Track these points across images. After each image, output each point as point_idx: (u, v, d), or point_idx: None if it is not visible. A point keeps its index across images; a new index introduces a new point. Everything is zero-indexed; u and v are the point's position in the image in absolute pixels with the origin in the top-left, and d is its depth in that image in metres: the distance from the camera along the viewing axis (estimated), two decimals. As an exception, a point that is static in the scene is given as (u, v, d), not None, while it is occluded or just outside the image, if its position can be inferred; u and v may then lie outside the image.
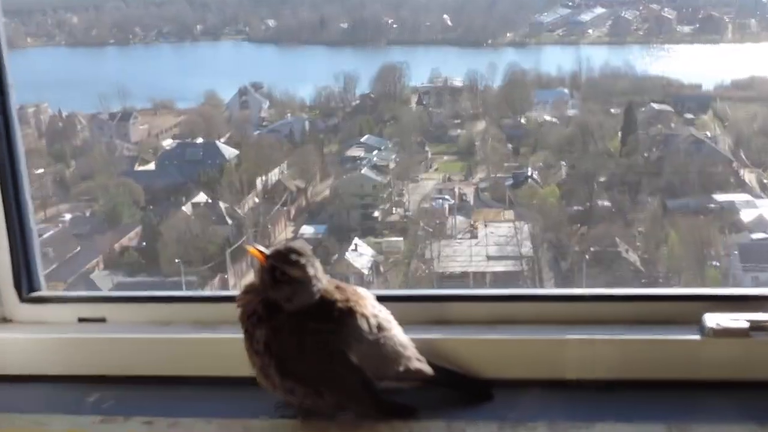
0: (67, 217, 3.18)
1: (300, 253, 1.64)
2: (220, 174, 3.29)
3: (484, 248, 3.39)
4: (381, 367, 1.35)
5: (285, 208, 3.25)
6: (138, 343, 1.64)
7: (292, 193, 3.29)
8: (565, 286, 3.39)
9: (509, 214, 3.54)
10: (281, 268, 1.48)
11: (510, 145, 3.59)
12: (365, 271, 3.18)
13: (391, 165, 3.44)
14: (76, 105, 3.33)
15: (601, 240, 3.72)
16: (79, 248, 3.19)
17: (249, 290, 1.64)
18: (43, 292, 2.24)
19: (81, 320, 1.77)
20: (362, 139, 3.47)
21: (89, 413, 1.44)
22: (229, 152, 3.30)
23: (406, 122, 3.52)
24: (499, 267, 3.40)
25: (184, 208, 3.29)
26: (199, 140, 3.45)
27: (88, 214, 3.20)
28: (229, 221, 3.19)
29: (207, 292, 1.92)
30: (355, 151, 3.49)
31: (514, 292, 1.75)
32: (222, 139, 3.36)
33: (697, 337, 1.57)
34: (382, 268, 3.23)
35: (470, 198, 3.52)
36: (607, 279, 3.69)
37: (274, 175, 3.32)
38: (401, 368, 1.34)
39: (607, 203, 3.77)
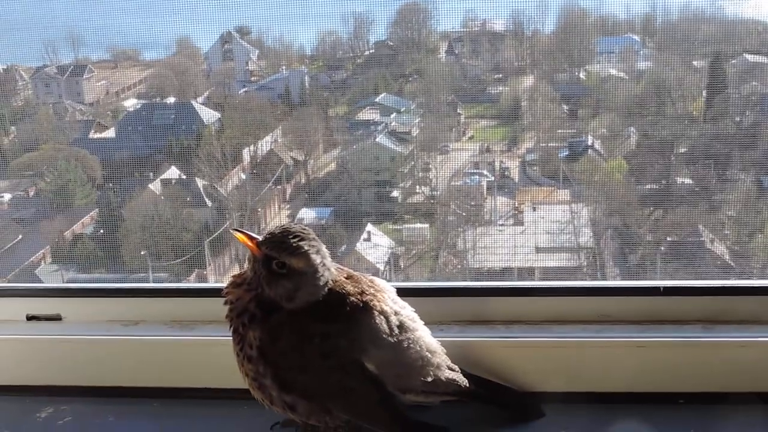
0: (6, 197, 3.01)
1: (301, 237, 1.38)
2: (197, 143, 3.20)
3: (531, 237, 3.29)
4: (404, 378, 1.43)
5: (279, 187, 3.11)
6: (100, 346, 1.71)
7: (288, 168, 3.11)
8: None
9: (564, 194, 3.37)
10: (279, 257, 1.38)
11: (565, 107, 3.38)
12: (381, 266, 3.14)
13: (414, 131, 3.33)
14: (17, 56, 3.03)
15: (680, 227, 3.47)
16: (20, 236, 2.96)
17: (239, 283, 1.42)
18: None
19: (30, 318, 1.81)
20: (377, 99, 3.30)
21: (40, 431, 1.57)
22: (209, 115, 3.14)
23: (433, 77, 3.36)
24: (551, 261, 3.22)
25: (151, 186, 3.16)
26: (171, 100, 3.30)
27: (31, 193, 3.07)
28: (209, 202, 3.20)
29: (184, 284, 1.90)
30: (369, 114, 3.31)
31: (571, 285, 1.75)
32: (199, 99, 3.26)
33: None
34: (402, 263, 3.07)
35: (514, 174, 3.39)
36: (687, 276, 3.43)
37: (265, 144, 3.26)
38: (429, 378, 1.43)
39: (687, 181, 3.57)
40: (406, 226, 3.24)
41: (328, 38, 3.27)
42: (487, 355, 1.61)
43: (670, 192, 3.47)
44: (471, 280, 3.24)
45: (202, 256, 3.07)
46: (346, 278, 1.44)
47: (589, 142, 3.36)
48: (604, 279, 3.29)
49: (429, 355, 1.44)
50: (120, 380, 1.71)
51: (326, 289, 1.40)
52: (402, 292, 1.66)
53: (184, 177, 3.15)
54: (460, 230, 3.25)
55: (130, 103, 3.22)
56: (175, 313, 1.60)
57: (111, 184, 3.18)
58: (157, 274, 3.10)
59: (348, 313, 1.40)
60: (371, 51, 3.32)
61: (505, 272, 3.28)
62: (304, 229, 1.39)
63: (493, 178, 3.32)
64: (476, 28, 3.40)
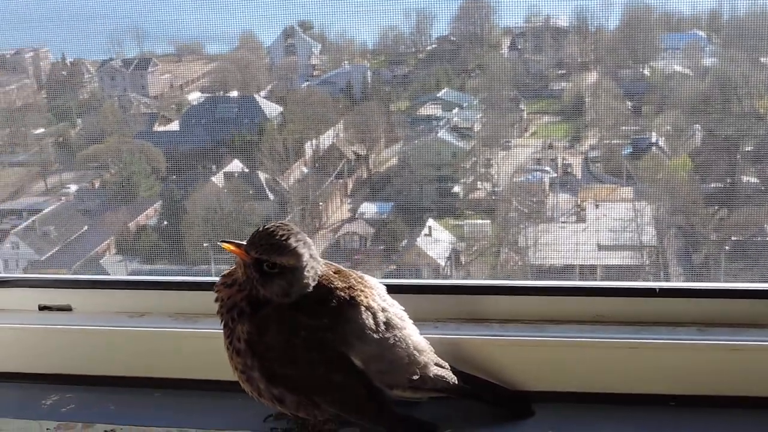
0: (72, 188, 3.08)
1: (287, 234, 1.46)
2: (260, 136, 3.30)
3: (594, 235, 3.17)
4: (389, 374, 1.50)
5: (340, 181, 3.09)
6: (106, 336, 1.82)
7: (350, 162, 3.13)
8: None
9: (627, 191, 3.42)
10: (270, 259, 1.46)
11: (629, 103, 3.36)
12: (441, 262, 3.05)
13: (476, 127, 3.43)
14: (83, 50, 3.12)
15: (746, 226, 3.44)
16: (86, 227, 3.04)
17: (230, 283, 1.49)
18: (1, 275, 2.03)
19: (42, 308, 1.91)
20: (439, 94, 3.37)
21: (44, 418, 1.67)
22: (271, 109, 3.18)
23: (496, 72, 3.37)
24: (614, 259, 3.22)
25: (214, 178, 3.26)
26: (234, 94, 3.40)
27: (97, 185, 3.12)
28: (271, 196, 3.20)
29: (189, 278, 1.83)
30: (430, 109, 3.36)
31: (567, 284, 1.80)
32: (262, 93, 3.36)
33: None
34: (463, 259, 3.03)
35: (577, 170, 3.46)
36: (753, 276, 3.42)
37: (326, 138, 3.25)
38: (415, 376, 1.50)
39: (753, 180, 3.50)
40: (468, 221, 3.29)
41: (390, 33, 3.32)
42: (481, 353, 1.66)
43: (736, 191, 3.48)
44: (534, 278, 3.28)
45: (263, 249, 3.13)
46: (335, 273, 1.54)
47: (653, 140, 3.38)
48: (668, 277, 3.31)
49: (416, 353, 1.52)
50: (124, 370, 1.85)
51: (315, 281, 1.48)
52: (399, 289, 1.76)
53: (247, 170, 3.23)
54: (522, 227, 3.29)
55: (194, 97, 3.30)
56: (179, 305, 1.65)
57: (174, 177, 3.27)
58: (219, 266, 3.16)
59: (335, 307, 1.45)
60: (433, 46, 3.37)
61: (566, 270, 3.32)
62: (287, 225, 1.49)
63: (555, 175, 3.35)
64: (539, 24, 3.43)
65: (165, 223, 3.23)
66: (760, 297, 1.65)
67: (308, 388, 1.46)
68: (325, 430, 1.52)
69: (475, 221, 3.29)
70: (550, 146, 3.40)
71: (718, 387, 1.58)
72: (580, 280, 3.24)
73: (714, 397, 1.58)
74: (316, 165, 3.27)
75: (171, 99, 3.36)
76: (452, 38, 3.38)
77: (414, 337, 1.53)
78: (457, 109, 3.35)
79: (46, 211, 3.26)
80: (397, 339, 1.47)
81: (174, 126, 3.31)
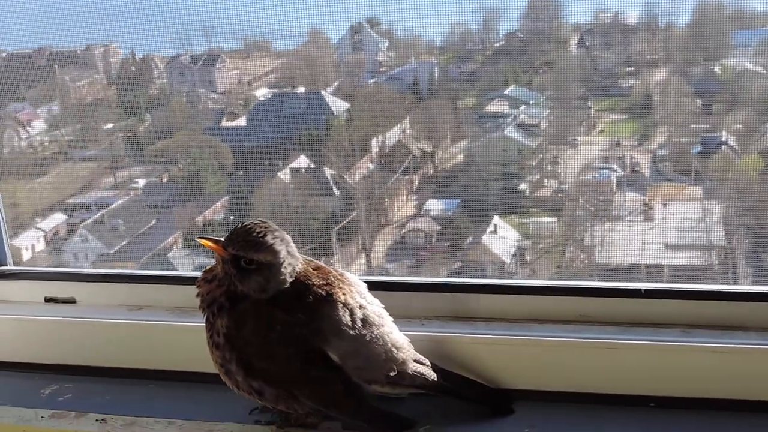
0: (141, 183, 3.14)
1: (264, 231, 1.51)
2: (326, 132, 3.38)
3: (661, 234, 3.15)
4: (367, 370, 1.54)
5: (407, 177, 3.08)
6: (105, 329, 1.92)
7: (416, 158, 3.15)
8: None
9: (696, 190, 3.39)
10: (246, 255, 1.51)
11: (699, 101, 3.32)
12: (507, 259, 3.06)
13: (543, 124, 3.45)
14: (153, 45, 3.17)
15: None
16: (154, 221, 3.08)
17: (210, 279, 1.56)
18: (8, 267, 2.14)
19: (48, 300, 2.02)
20: (506, 91, 3.40)
21: (40, 407, 1.77)
22: (338, 105, 3.19)
23: (563, 70, 3.33)
24: (681, 259, 3.17)
25: (280, 174, 3.34)
26: (301, 90, 3.45)
27: (165, 180, 3.15)
28: (337, 192, 3.18)
29: (185, 273, 1.94)
30: (497, 106, 3.40)
31: (553, 284, 1.84)
32: (329, 89, 3.34)
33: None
34: (528, 256, 3.02)
35: (645, 169, 3.47)
36: None
37: (393, 134, 3.19)
38: (392, 372, 1.54)
39: None
40: (533, 219, 3.30)
41: (458, 30, 3.34)
42: (464, 350, 1.71)
43: (808, 191, 3.42)
44: (597, 280, 3.28)
45: (329, 245, 3.19)
46: (314, 269, 1.59)
47: (723, 138, 3.35)
48: (736, 278, 3.29)
49: (393, 350, 1.58)
50: (120, 362, 1.97)
51: (293, 277, 1.52)
52: (387, 287, 1.80)
53: (313, 166, 3.27)
54: (588, 225, 3.29)
55: (261, 93, 3.35)
56: (176, 299, 1.72)
57: (241, 172, 3.31)
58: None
59: (311, 303, 1.51)
60: (501, 43, 3.38)
61: (632, 269, 3.31)
62: (264, 222, 1.54)
63: (622, 173, 3.34)
64: (608, 20, 3.41)
65: (232, 218, 3.30)
66: (744, 299, 1.67)
67: (286, 382, 1.51)
68: (308, 423, 1.59)
69: (541, 219, 3.30)
70: (618, 144, 3.39)
71: (700, 389, 1.59)
72: (647, 279, 3.24)
73: (695, 399, 1.59)
74: (382, 161, 3.31)
75: (239, 95, 3.41)
76: (520, 35, 3.38)
77: (393, 334, 1.59)
78: (524, 106, 3.36)
79: (115, 205, 3.34)
80: (374, 336, 1.52)
81: (241, 121, 3.36)
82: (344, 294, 1.52)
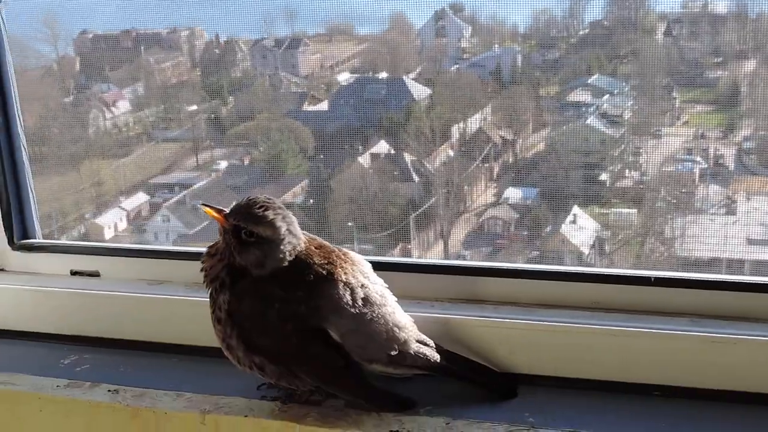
0: (222, 165, 3.20)
1: (266, 206, 1.56)
2: (407, 118, 3.38)
3: (744, 229, 3.14)
4: (368, 349, 1.57)
5: (487, 165, 3.15)
6: (126, 302, 2.04)
7: (497, 146, 3.18)
8: None
9: None
10: (247, 227, 1.56)
11: None
12: (585, 250, 3.08)
13: (626, 114, 3.43)
14: (237, 29, 3.24)
15: None
16: (235, 203, 3.10)
17: (213, 253, 1.60)
18: (36, 240, 2.26)
19: (74, 273, 2.17)
20: (590, 80, 3.39)
21: (58, 376, 1.88)
22: (419, 91, 3.23)
23: (649, 59, 3.33)
24: (764, 254, 3.13)
25: (360, 158, 3.37)
26: (383, 75, 3.48)
27: (246, 162, 3.20)
28: (416, 178, 3.23)
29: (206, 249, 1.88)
30: (580, 95, 3.40)
31: (563, 269, 1.88)
32: (411, 75, 3.44)
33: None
34: (607, 247, 3.04)
35: (729, 162, 3.48)
36: None
37: (474, 121, 3.31)
38: (393, 352, 1.56)
39: None
40: (613, 210, 3.30)
41: (542, 17, 3.34)
42: (472, 333, 1.74)
43: None
44: (676, 269, 3.27)
45: (407, 231, 3.23)
46: (316, 248, 1.62)
47: (812, 132, 3.29)
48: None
49: (395, 329, 1.60)
50: (138, 334, 2.05)
51: (293, 256, 1.56)
52: (400, 268, 1.83)
53: (393, 152, 3.31)
54: (669, 217, 3.29)
55: (343, 77, 3.39)
56: (196, 275, 1.75)
57: (322, 156, 3.37)
58: (362, 246, 3.27)
59: (311, 281, 1.55)
60: (585, 31, 3.37)
61: (713, 262, 3.31)
62: (269, 199, 1.60)
63: (706, 166, 3.33)
64: (696, 10, 3.39)
65: (311, 201, 3.35)
66: (753, 290, 1.68)
67: (285, 359, 1.55)
68: (312, 400, 1.63)
69: (621, 210, 3.31)
70: (702, 136, 3.38)
71: (704, 380, 1.61)
72: (727, 274, 3.22)
73: (699, 389, 1.61)
74: (463, 148, 3.34)
75: (321, 79, 3.46)
76: (605, 23, 3.38)
77: (396, 314, 1.62)
78: (607, 95, 3.36)
79: (197, 186, 3.42)
80: (375, 315, 1.55)
81: (323, 106, 3.41)
82: (346, 273, 1.58)
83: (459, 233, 3.31)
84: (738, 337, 1.59)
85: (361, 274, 1.59)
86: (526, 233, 3.32)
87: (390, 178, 3.33)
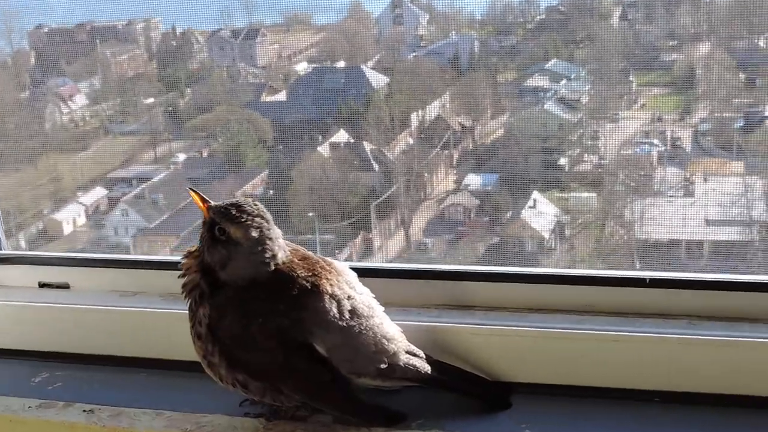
0: (181, 157, 3.20)
1: (246, 211, 1.51)
2: (366, 107, 3.45)
3: (702, 210, 3.19)
4: (356, 363, 1.51)
5: (446, 152, 3.15)
6: (98, 315, 1.91)
7: (456, 133, 3.20)
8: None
9: (738, 165, 3.39)
10: (221, 223, 1.51)
11: (742, 76, 3.31)
12: (546, 234, 3.10)
13: (584, 99, 3.46)
14: (193, 20, 3.24)
15: None
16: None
17: (191, 253, 1.53)
18: (2, 252, 2.22)
19: (42, 285, 2.04)
20: (547, 65, 3.40)
21: (29, 395, 1.77)
22: (378, 80, 3.24)
23: (605, 43, 3.34)
24: (722, 234, 3.19)
25: (320, 148, 3.39)
26: (341, 64, 3.50)
27: (205, 154, 3.19)
28: (376, 166, 3.21)
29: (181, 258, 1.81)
30: (538, 81, 3.41)
31: (555, 272, 1.81)
32: (369, 64, 3.37)
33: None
34: (567, 231, 3.05)
35: (686, 144, 3.50)
36: None
37: (433, 109, 3.27)
38: (383, 365, 1.51)
39: None
40: (573, 194, 3.33)
41: (499, 3, 3.38)
42: (462, 341, 1.67)
43: None
44: (636, 255, 3.30)
45: (368, 219, 3.25)
46: (300, 259, 1.57)
47: (767, 113, 3.35)
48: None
49: (384, 342, 1.54)
50: (113, 349, 1.96)
51: (269, 268, 1.50)
52: (384, 274, 1.77)
53: (353, 141, 3.32)
54: (629, 200, 3.32)
55: (301, 67, 3.40)
56: (172, 285, 1.66)
57: (281, 147, 3.37)
58: (324, 236, 3.27)
59: (294, 295, 1.48)
60: (542, 16, 3.40)
61: (672, 244, 3.34)
62: (256, 206, 1.56)
63: (663, 148, 3.36)
64: (651, -6, 3.41)
65: (271, 192, 3.36)
66: (753, 290, 1.61)
67: (270, 375, 1.49)
68: (297, 416, 1.57)
69: (581, 194, 3.33)
70: (659, 119, 3.41)
71: (706, 384, 1.54)
72: (686, 255, 3.26)
73: (700, 394, 1.55)
74: (422, 136, 3.36)
75: (279, 69, 3.47)
76: (561, 8, 3.42)
77: (384, 325, 1.54)
78: (564, 80, 3.39)
79: (156, 179, 3.42)
80: (363, 327, 1.50)
81: (281, 96, 3.42)
82: (331, 285, 1.50)
83: (420, 221, 3.33)
84: (739, 340, 1.54)
85: (347, 285, 1.52)
86: (486, 219, 3.35)
87: (350, 167, 3.35)
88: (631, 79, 3.39)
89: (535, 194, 3.31)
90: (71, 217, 3.39)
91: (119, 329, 1.87)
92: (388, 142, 3.33)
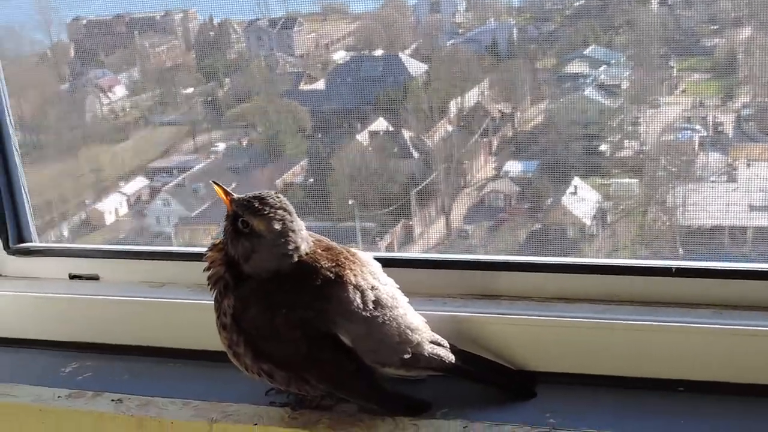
0: (221, 147, 3.22)
1: (269, 203, 1.53)
2: (404, 95, 3.41)
3: (745, 195, 3.17)
4: (380, 353, 1.56)
5: (486, 139, 3.16)
6: (126, 306, 2.01)
7: (495, 120, 3.20)
8: None
9: None
10: (243, 216, 1.56)
11: None
12: (587, 221, 3.09)
13: (624, 85, 3.46)
14: (230, 10, 3.26)
15: None
16: (234, 184, 3.19)
17: (215, 246, 1.55)
18: (32, 244, 2.27)
19: (72, 277, 2.14)
20: (586, 51, 3.39)
21: (60, 385, 1.84)
22: (416, 67, 3.25)
23: (645, 29, 3.29)
24: (765, 220, 3.14)
25: (359, 137, 3.38)
26: (379, 52, 3.48)
27: (245, 143, 3.21)
28: (415, 154, 3.29)
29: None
30: (577, 67, 3.41)
31: (581, 262, 1.85)
32: (407, 51, 3.45)
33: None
34: (609, 218, 3.06)
35: (728, 129, 3.44)
36: None
37: (471, 96, 3.36)
38: (406, 355, 1.55)
39: None
40: (614, 180, 3.32)
41: (537, -11, 3.34)
42: (486, 331, 1.70)
43: None
44: (678, 241, 3.29)
45: (408, 207, 3.26)
46: (323, 250, 1.60)
47: (810, 97, 3.32)
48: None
49: (408, 332, 1.57)
50: (141, 339, 1.99)
51: (292, 260, 1.52)
52: (411, 264, 1.78)
53: (392, 129, 3.33)
54: (670, 186, 3.31)
55: (339, 56, 3.41)
56: (198, 276, 1.73)
57: (320, 135, 3.39)
58: (365, 224, 3.30)
59: (318, 286, 1.53)
60: (581, 2, 3.39)
61: (714, 230, 3.33)
62: (279, 198, 1.59)
63: (705, 134, 3.35)
64: (691, -23, 3.39)
65: (311, 180, 3.38)
66: None
67: (295, 365, 1.54)
68: (323, 405, 1.60)
69: (622, 180, 3.33)
70: (701, 104, 3.40)
71: (730, 373, 1.57)
72: (730, 242, 3.25)
73: (725, 384, 1.57)
74: (461, 123, 3.36)
75: (316, 58, 3.49)
76: (600, -7, 3.39)
77: (407, 315, 1.58)
78: (604, 66, 3.38)
79: (196, 168, 3.45)
80: (386, 318, 1.53)
81: (320, 85, 3.44)
82: (355, 275, 1.54)
83: (460, 208, 3.34)
84: (765, 329, 1.54)
85: (370, 275, 1.57)
86: (527, 206, 3.36)
87: (389, 155, 3.36)
88: (671, 64, 3.37)
89: (576, 180, 3.31)
90: (113, 207, 3.43)
91: (147, 320, 1.92)
92: (427, 130, 3.34)
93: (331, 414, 1.60)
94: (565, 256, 3.22)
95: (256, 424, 1.62)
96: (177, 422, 1.67)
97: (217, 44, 3.44)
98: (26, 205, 2.22)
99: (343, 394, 1.58)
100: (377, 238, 3.27)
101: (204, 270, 1.62)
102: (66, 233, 3.38)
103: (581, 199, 3.28)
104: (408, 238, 3.30)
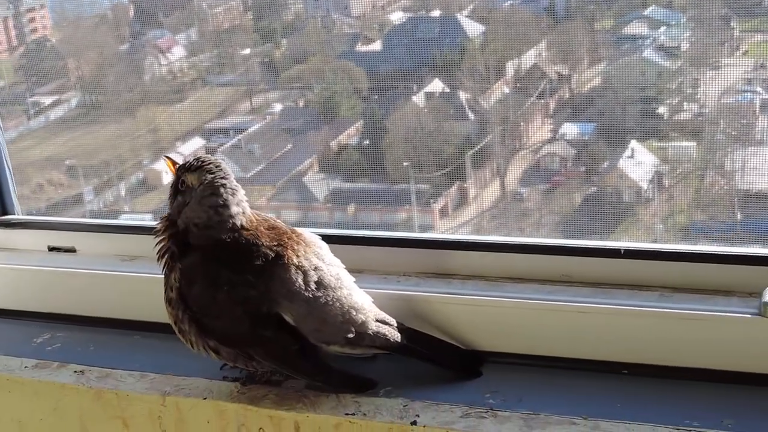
0: (277, 108, 3.28)
1: (202, 160, 1.59)
2: (461, 56, 3.42)
3: None
4: (323, 332, 1.61)
5: (542, 101, 3.18)
6: (99, 279, 2.07)
7: (552, 82, 3.22)
8: None
9: None
10: (181, 175, 1.65)
11: None
12: (644, 185, 3.11)
13: (684, 46, 3.41)
14: None
15: None
16: (290, 146, 3.26)
17: (163, 217, 1.76)
18: (14, 216, 2.35)
19: (51, 249, 2.19)
20: (645, 12, 3.40)
21: (29, 355, 1.90)
22: (473, 28, 3.28)
23: None
24: None
25: (414, 98, 3.40)
26: (436, 13, 3.53)
27: (301, 104, 3.25)
28: (471, 116, 3.24)
29: None
30: (636, 28, 3.39)
31: (533, 242, 1.87)
32: (464, 12, 3.39)
33: (750, 314, 1.48)
34: (666, 181, 3.08)
35: (790, 91, 3.20)
36: None
37: (528, 58, 3.30)
38: (350, 335, 1.59)
39: None
40: (672, 144, 3.34)
41: (596, -51, 3.34)
42: (436, 310, 1.72)
43: None
44: (737, 205, 3.30)
45: (463, 169, 3.31)
46: (267, 228, 1.62)
47: None
48: None
49: (352, 312, 1.60)
50: (111, 312, 2.03)
51: (228, 224, 1.56)
52: (366, 241, 1.79)
53: (448, 90, 3.37)
54: (729, 150, 3.31)
55: (396, 17, 3.44)
56: None
57: (376, 97, 3.43)
58: (419, 186, 3.35)
59: (260, 265, 1.57)
60: (640, -38, 3.36)
61: (774, 194, 3.33)
62: (216, 160, 1.62)
63: (766, 96, 3.33)
64: (755, -64, 3.36)
65: (366, 142, 3.43)
66: (727, 262, 1.63)
67: (239, 342, 1.58)
68: (272, 380, 1.64)
69: (680, 143, 3.34)
70: (762, 66, 3.39)
71: (675, 357, 1.57)
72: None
73: (669, 367, 1.58)
74: (518, 85, 3.39)
75: (373, 19, 3.52)
76: (660, -47, 3.38)
77: (353, 295, 1.61)
78: (663, 27, 3.37)
79: (252, 129, 3.52)
80: (329, 298, 1.57)
81: (376, 46, 3.48)
82: (297, 255, 1.57)
83: (516, 171, 3.38)
84: (709, 314, 1.55)
85: (315, 256, 1.61)
86: (583, 169, 3.39)
87: (445, 116, 3.40)
88: (732, 25, 3.36)
89: (633, 144, 3.33)
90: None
91: (116, 293, 1.99)
92: (484, 92, 3.37)
93: (278, 390, 1.64)
94: (620, 221, 3.26)
95: (205, 398, 1.68)
96: (132, 394, 1.73)
97: (274, 5, 3.49)
98: (8, 178, 2.28)
99: (288, 371, 1.63)
100: (432, 200, 3.32)
101: (154, 237, 1.67)
102: (123, 192, 3.48)
103: (638, 163, 3.29)
104: (462, 201, 3.35)
